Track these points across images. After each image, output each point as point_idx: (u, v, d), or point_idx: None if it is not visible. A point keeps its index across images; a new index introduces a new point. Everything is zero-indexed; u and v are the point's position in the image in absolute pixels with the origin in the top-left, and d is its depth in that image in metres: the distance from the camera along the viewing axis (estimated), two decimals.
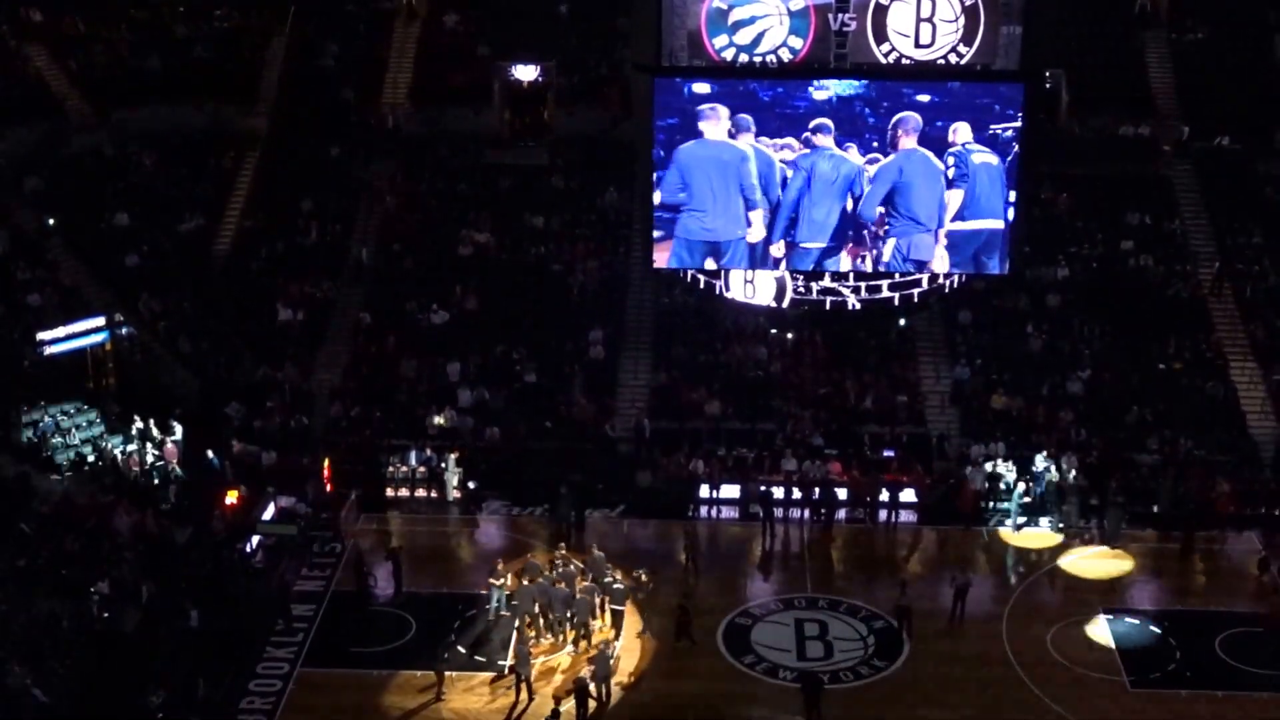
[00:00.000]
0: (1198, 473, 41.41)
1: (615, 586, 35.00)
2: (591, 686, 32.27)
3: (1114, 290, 47.71)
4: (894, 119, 29.86)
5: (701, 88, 30.34)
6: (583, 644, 34.47)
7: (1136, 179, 50.66)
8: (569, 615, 34.77)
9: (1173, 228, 49.65)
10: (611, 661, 32.91)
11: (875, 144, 30.34)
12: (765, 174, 30.20)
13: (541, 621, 34.87)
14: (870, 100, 30.27)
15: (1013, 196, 30.56)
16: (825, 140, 30.14)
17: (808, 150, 30.11)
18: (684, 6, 30.27)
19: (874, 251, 30.82)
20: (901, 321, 45.48)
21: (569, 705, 31.89)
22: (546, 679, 33.24)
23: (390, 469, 42.17)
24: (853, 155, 30.09)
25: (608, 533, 39.71)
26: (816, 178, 30.35)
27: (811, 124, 30.17)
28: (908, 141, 30.05)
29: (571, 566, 36.15)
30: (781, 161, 30.24)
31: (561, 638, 34.82)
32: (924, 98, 30.17)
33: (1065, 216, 49.58)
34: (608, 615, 35.01)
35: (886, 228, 30.54)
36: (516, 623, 34.75)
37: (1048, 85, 46.02)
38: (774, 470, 41.97)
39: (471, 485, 41.74)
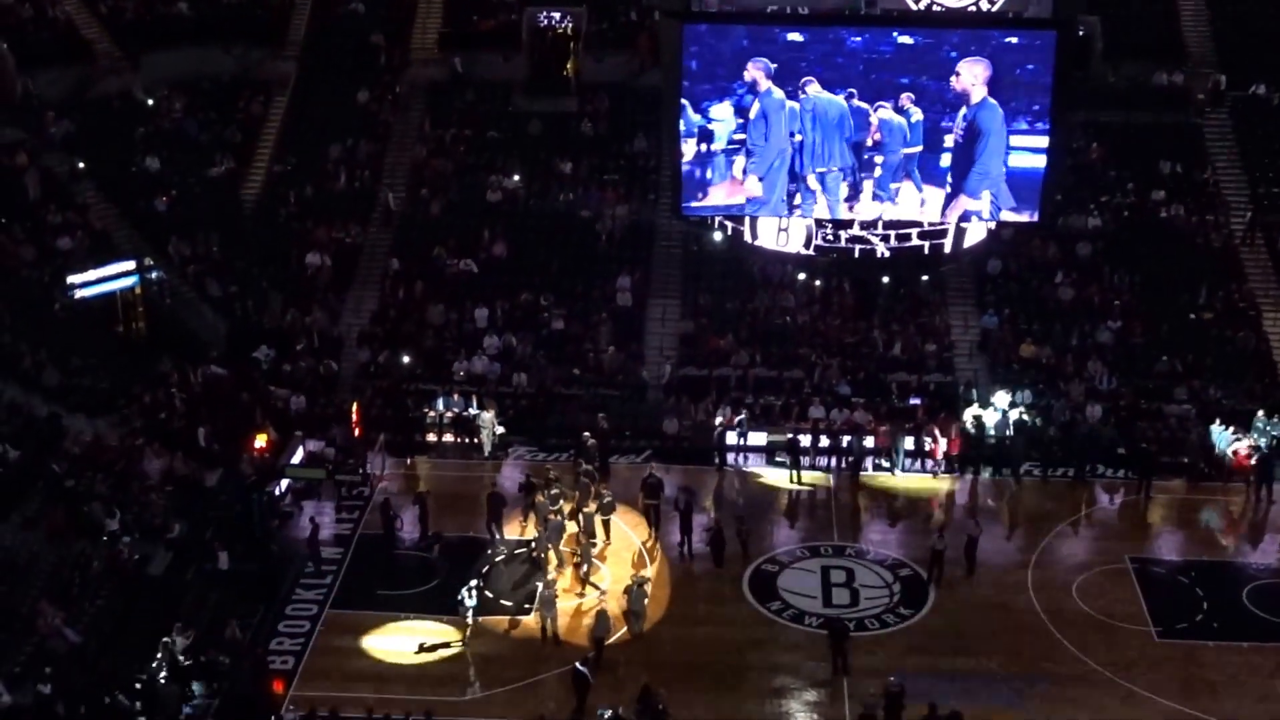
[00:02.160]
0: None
1: (605, 501, 36.53)
2: (623, 624, 32.83)
3: (1145, 239, 47.35)
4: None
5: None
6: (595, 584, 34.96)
7: (1169, 127, 50.22)
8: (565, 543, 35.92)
9: (1205, 177, 49.22)
10: (646, 601, 33.13)
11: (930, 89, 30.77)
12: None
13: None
14: (925, 47, 30.53)
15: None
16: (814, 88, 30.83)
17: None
18: None
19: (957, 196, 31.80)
20: (924, 278, 45.31)
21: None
22: (573, 622, 33.50)
23: (420, 414, 42.30)
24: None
25: (632, 479, 39.80)
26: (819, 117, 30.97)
27: (801, 81, 30.81)
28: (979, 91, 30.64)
29: (583, 479, 37.33)
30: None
31: (556, 561, 35.57)
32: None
33: (1097, 165, 49.18)
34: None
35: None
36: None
37: (1080, 32, 45.50)
38: (801, 418, 41.95)
39: (500, 430, 41.80)
